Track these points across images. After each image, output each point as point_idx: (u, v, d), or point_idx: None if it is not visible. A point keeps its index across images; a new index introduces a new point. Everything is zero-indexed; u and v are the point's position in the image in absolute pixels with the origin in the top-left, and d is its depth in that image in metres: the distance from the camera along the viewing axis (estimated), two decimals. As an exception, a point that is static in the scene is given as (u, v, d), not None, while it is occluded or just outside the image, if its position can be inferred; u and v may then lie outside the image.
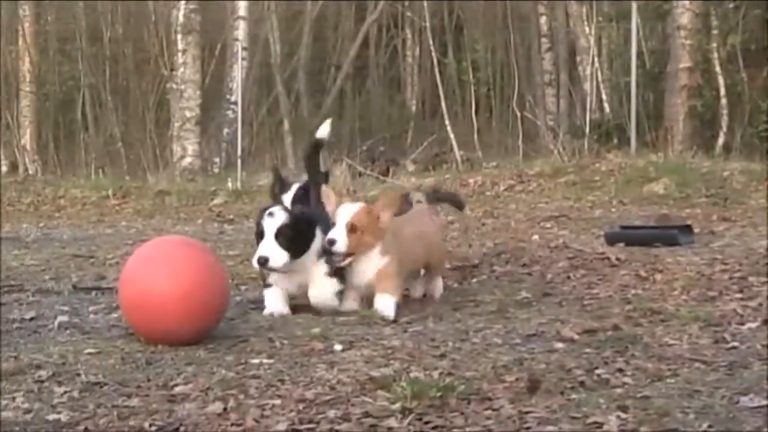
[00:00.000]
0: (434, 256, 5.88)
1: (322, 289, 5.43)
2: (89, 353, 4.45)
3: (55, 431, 3.28)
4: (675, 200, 10.97)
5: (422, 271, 5.99)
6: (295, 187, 6.02)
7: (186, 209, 13.75)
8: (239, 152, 17.51)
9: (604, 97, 18.31)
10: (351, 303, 5.45)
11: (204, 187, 15.42)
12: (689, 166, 12.37)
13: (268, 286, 5.51)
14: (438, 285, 6.02)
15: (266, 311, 5.42)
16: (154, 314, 4.57)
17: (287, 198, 5.96)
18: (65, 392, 3.78)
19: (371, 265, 5.32)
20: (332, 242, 5.20)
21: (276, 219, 5.28)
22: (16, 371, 4.10)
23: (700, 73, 16.01)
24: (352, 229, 5.22)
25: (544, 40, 21.88)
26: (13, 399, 3.69)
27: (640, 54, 16.58)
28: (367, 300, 5.42)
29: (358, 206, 5.36)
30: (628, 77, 16.30)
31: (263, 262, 5.25)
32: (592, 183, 12.54)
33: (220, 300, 4.79)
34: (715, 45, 16.21)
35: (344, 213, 5.29)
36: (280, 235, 5.26)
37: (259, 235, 5.31)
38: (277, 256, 5.24)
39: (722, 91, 16.09)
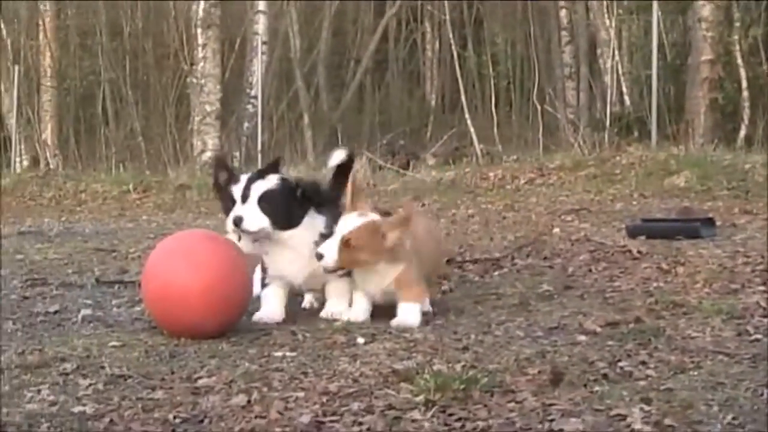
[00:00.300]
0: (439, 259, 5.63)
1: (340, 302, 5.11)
2: (113, 346, 4.47)
3: (80, 423, 3.30)
4: (696, 193, 10.93)
5: None
6: (244, 179, 5.52)
7: (206, 203, 13.75)
8: (259, 146, 17.57)
9: (624, 89, 18.27)
10: (359, 312, 4.97)
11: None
12: (710, 159, 12.31)
13: (265, 285, 5.21)
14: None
15: (257, 316, 5.10)
16: (177, 308, 4.58)
17: (237, 190, 5.51)
18: (90, 385, 3.81)
19: (387, 272, 4.88)
20: (320, 256, 4.78)
21: (266, 182, 5.02)
22: (40, 364, 4.13)
23: (721, 66, 15.94)
24: (346, 244, 4.75)
25: (564, 33, 21.82)
26: (39, 391, 3.71)
27: (661, 46, 16.54)
28: (381, 307, 5.06)
29: (361, 221, 4.81)
30: (648, 70, 16.28)
31: (237, 222, 4.95)
32: (613, 176, 12.50)
33: (242, 294, 4.79)
34: (736, 37, 16.15)
35: (343, 226, 4.81)
36: (264, 200, 4.97)
37: (244, 197, 5.01)
38: (254, 219, 4.95)
39: (744, 84, 16.03)
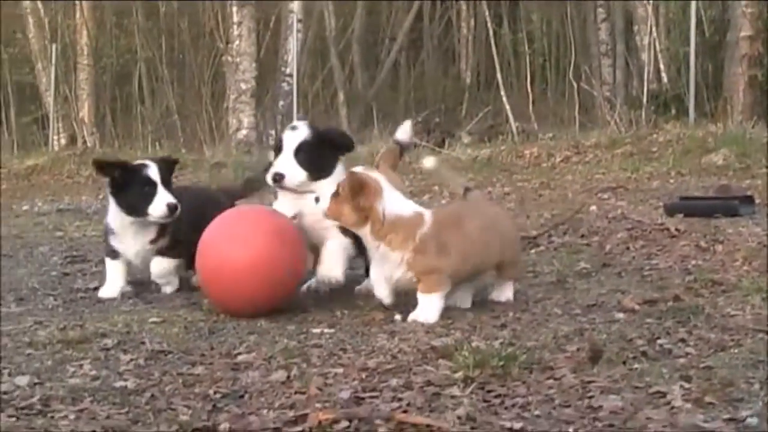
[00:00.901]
0: (506, 254, 4.85)
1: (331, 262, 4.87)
2: (153, 322, 4.51)
3: (122, 398, 3.33)
4: (734, 171, 10.85)
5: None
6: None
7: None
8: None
9: (661, 67, 18.12)
10: (383, 290, 4.64)
11: (260, 159, 15.48)
12: (749, 137, 12.21)
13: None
14: (508, 293, 4.94)
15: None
16: (229, 286, 4.61)
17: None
18: (131, 360, 3.85)
19: (389, 256, 4.51)
20: (317, 199, 4.59)
21: (298, 133, 4.92)
22: (82, 339, 4.17)
23: (761, 42, 15.75)
24: (335, 193, 4.50)
25: (600, 10, 21.63)
26: (81, 366, 3.75)
27: (699, 22, 16.39)
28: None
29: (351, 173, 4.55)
30: (686, 46, 16.13)
31: (278, 178, 4.83)
32: (650, 154, 12.44)
33: (286, 270, 4.69)
34: (776, 13, 15.95)
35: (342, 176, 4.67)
36: (301, 151, 4.87)
37: (277, 149, 4.93)
38: (294, 173, 4.84)
39: (784, 60, 15.85)
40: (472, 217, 4.74)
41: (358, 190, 4.44)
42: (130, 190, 5.18)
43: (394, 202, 4.51)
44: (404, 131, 5.74)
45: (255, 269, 4.57)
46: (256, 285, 4.57)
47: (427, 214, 4.57)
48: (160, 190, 5.14)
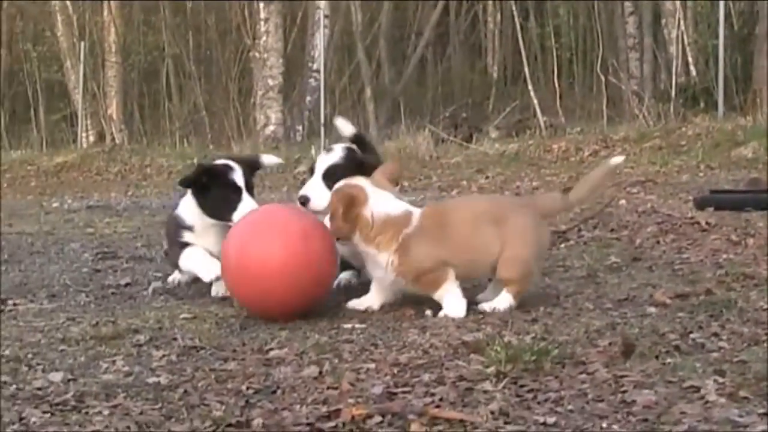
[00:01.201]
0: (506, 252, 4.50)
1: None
2: (184, 318, 4.53)
3: (155, 393, 3.34)
4: (764, 164, 10.77)
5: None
6: None
7: (270, 177, 13.83)
8: (322, 120, 17.60)
9: (690, 60, 18.03)
10: (371, 301, 4.71)
11: (287, 154, 15.51)
12: (778, 130, 12.14)
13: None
14: (497, 301, 4.53)
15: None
16: (256, 289, 4.50)
17: None
18: (163, 356, 3.86)
19: (373, 258, 4.55)
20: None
21: (330, 156, 4.99)
22: (114, 335, 4.19)
23: (790, 35, 15.66)
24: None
25: (627, 3, 21.53)
26: (114, 362, 3.77)
27: (727, 15, 16.29)
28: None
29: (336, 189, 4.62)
30: (715, 39, 16.05)
31: (304, 201, 4.88)
32: (679, 147, 12.40)
33: (316, 270, 4.55)
34: (806, 5, 15.85)
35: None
36: (329, 175, 4.89)
37: (311, 171, 5.01)
38: (321, 196, 4.84)
39: (814, 53, 15.73)
40: (462, 211, 4.66)
41: (350, 204, 4.46)
42: (214, 193, 5.02)
43: (381, 204, 4.51)
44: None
45: (283, 274, 4.44)
46: (285, 289, 4.45)
47: (416, 214, 4.55)
48: (245, 197, 5.03)
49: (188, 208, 5.14)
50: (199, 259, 5.07)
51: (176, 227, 5.20)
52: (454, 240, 4.51)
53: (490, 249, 4.50)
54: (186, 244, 5.14)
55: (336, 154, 5.02)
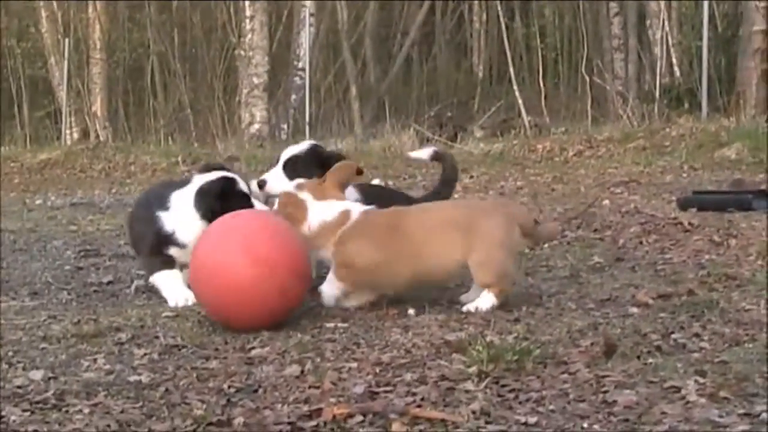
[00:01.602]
0: (474, 256, 4.46)
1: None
2: (167, 317, 4.52)
3: (136, 392, 3.34)
4: (748, 165, 10.82)
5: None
6: None
7: (255, 175, 13.74)
8: (307, 118, 17.58)
9: (674, 61, 18.09)
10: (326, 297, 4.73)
11: (272, 153, 15.46)
12: (762, 131, 12.17)
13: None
14: (478, 302, 4.51)
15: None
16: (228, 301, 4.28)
17: None
18: (145, 354, 3.86)
19: (327, 255, 4.66)
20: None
21: (294, 149, 5.25)
22: (96, 333, 4.18)
23: (774, 36, 15.70)
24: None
25: (612, 4, 21.59)
26: (95, 360, 3.76)
27: (711, 17, 16.34)
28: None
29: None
30: (699, 41, 16.09)
31: (261, 184, 5.18)
32: (663, 148, 12.42)
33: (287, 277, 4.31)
34: (790, 7, 15.90)
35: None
36: (290, 165, 5.14)
37: (276, 160, 5.29)
38: (278, 183, 5.10)
39: (797, 55, 15.79)
40: (421, 217, 4.63)
41: (289, 221, 4.60)
42: (224, 207, 4.77)
43: (318, 213, 4.63)
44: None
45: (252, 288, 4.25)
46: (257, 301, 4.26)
47: (356, 213, 4.62)
48: (256, 203, 5.02)
49: (186, 222, 4.96)
50: (176, 288, 4.93)
51: (161, 238, 4.99)
52: (403, 245, 4.51)
53: (451, 255, 4.47)
54: (170, 263, 4.98)
55: (300, 147, 5.28)
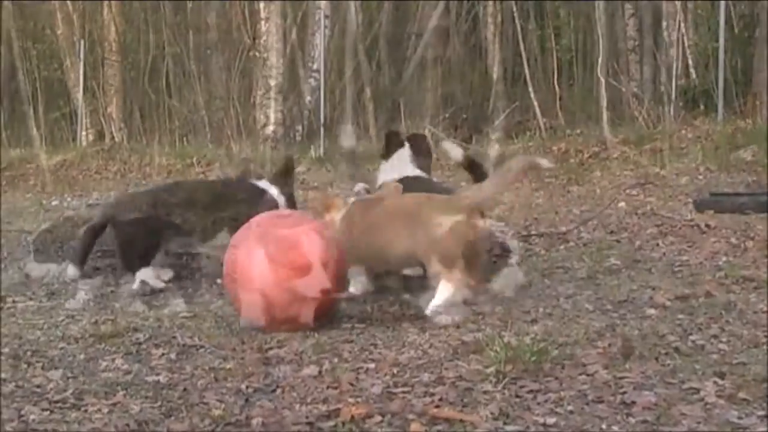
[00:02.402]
0: (427, 250, 4.49)
1: None
2: (184, 317, 4.54)
3: (154, 391, 3.34)
4: (764, 167, 10.75)
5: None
6: None
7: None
8: (321, 120, 17.58)
9: (690, 62, 18.02)
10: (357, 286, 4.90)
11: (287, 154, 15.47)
12: (778, 133, 12.12)
13: None
14: (439, 298, 4.46)
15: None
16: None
17: None
18: (163, 354, 3.86)
19: None
20: None
21: None
22: (114, 334, 4.19)
23: (791, 38, 15.64)
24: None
25: (627, 5, 21.51)
26: (113, 360, 3.78)
27: (728, 18, 16.27)
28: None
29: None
30: (715, 42, 16.03)
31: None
32: (679, 150, 12.36)
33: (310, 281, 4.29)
34: (807, 8, 15.83)
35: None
36: None
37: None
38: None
39: (814, 56, 15.71)
40: (377, 210, 4.77)
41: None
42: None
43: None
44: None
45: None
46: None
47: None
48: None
49: None
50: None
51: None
52: (359, 237, 4.69)
53: (402, 246, 4.55)
54: None
55: None
